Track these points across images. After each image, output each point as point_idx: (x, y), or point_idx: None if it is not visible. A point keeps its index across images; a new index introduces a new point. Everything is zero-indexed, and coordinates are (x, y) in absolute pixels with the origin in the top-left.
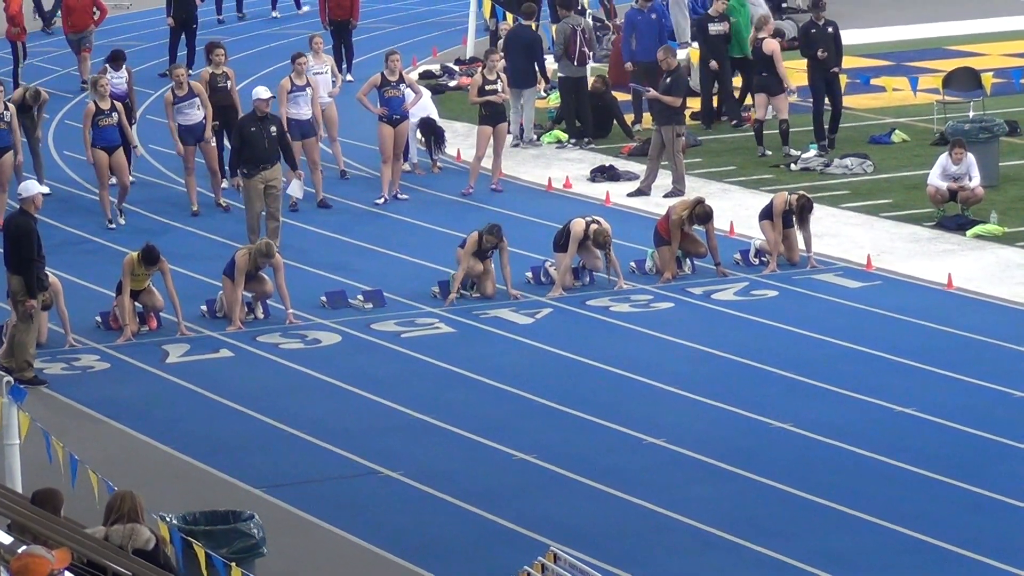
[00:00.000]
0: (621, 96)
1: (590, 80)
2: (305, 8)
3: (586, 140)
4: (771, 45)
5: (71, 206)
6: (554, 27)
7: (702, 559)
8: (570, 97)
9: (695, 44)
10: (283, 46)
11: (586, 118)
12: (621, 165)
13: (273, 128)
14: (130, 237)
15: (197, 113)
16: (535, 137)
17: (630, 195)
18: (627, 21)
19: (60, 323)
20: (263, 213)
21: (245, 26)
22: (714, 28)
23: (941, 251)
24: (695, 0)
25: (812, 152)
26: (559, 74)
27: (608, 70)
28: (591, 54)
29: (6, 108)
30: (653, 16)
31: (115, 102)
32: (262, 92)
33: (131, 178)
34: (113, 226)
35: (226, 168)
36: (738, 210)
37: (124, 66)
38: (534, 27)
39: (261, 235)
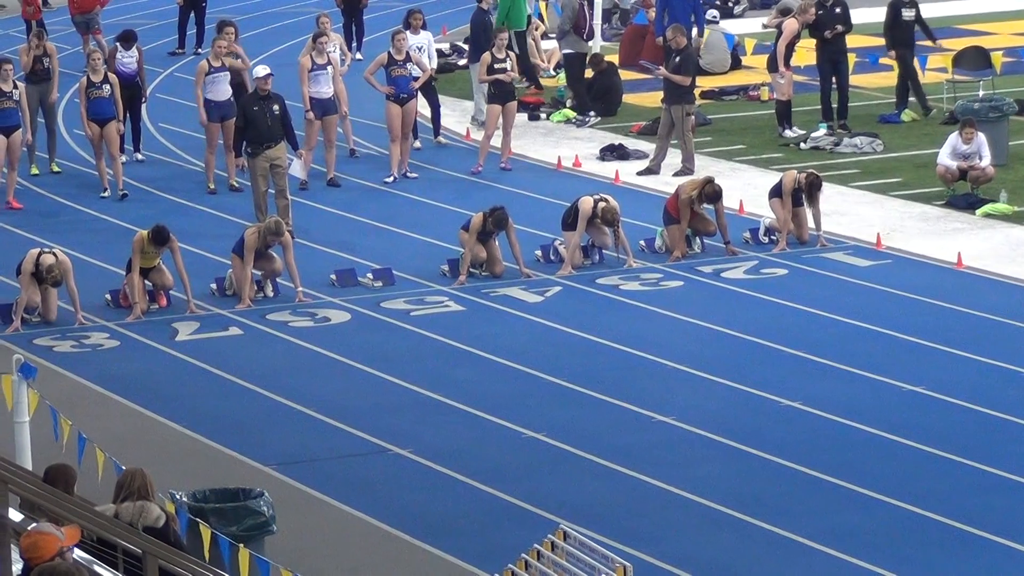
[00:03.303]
0: (633, 75)
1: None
2: None
3: (592, 115)
4: (788, 24)
5: (80, 184)
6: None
7: (711, 537)
8: (578, 72)
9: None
10: (292, 25)
11: (584, 92)
12: (630, 144)
13: (276, 107)
14: (139, 216)
15: (227, 89)
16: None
17: (639, 174)
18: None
19: (70, 301)
20: (271, 192)
21: (255, 4)
22: (907, 14)
23: (951, 230)
24: None
25: (822, 131)
26: (565, 50)
27: (619, 49)
28: (595, 30)
29: (15, 87)
30: None
31: (109, 74)
32: (261, 71)
33: (140, 156)
34: (106, 195)
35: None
36: (747, 189)
37: (135, 46)
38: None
39: (269, 213)
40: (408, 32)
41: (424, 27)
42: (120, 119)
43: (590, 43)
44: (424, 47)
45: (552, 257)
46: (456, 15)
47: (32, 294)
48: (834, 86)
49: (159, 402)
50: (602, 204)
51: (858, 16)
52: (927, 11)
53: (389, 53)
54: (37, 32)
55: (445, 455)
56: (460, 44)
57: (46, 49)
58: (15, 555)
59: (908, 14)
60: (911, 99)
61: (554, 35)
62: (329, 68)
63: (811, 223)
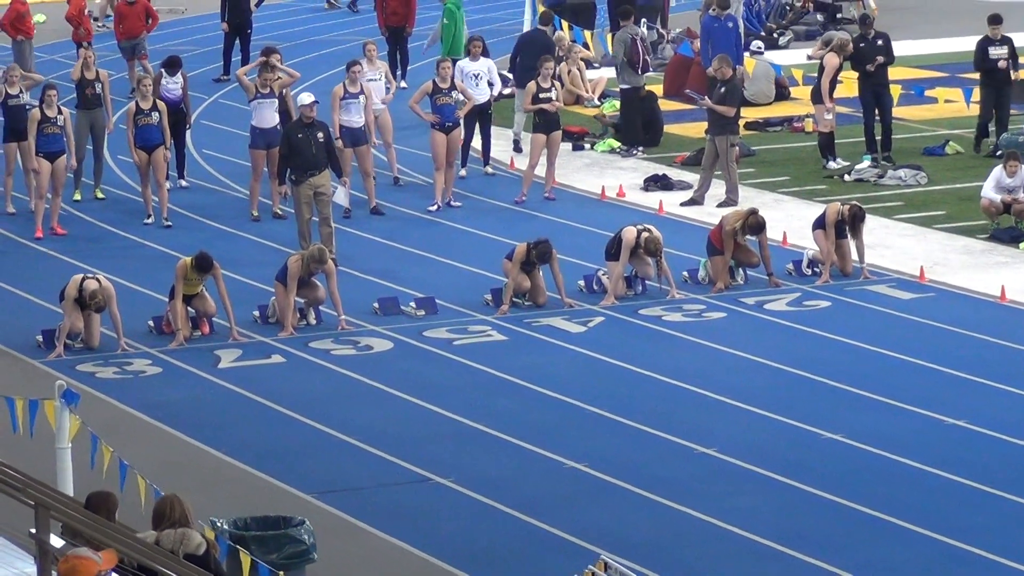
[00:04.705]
0: (676, 105)
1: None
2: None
3: (640, 149)
4: (828, 59)
5: (124, 210)
6: (610, 36)
7: (753, 570)
8: (634, 107)
9: (746, 55)
10: (338, 52)
11: (639, 127)
12: (674, 174)
13: (320, 134)
14: (183, 242)
15: (273, 116)
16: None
17: (683, 204)
18: (703, 30)
19: (113, 327)
20: (315, 219)
21: (300, 32)
22: (995, 52)
23: (994, 263)
24: (750, 12)
25: (865, 163)
26: (622, 85)
27: (664, 79)
28: (649, 63)
29: (59, 112)
30: (730, 24)
31: (158, 101)
32: (306, 98)
33: (184, 183)
34: (150, 221)
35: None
36: (791, 220)
37: (180, 72)
38: (549, 32)
39: (313, 241)
40: (468, 59)
41: (485, 54)
42: (167, 146)
43: (643, 76)
44: (484, 74)
45: (595, 287)
46: (501, 44)
47: (75, 320)
48: (877, 118)
49: (201, 429)
50: (645, 234)
51: (900, 48)
52: (971, 44)
53: (434, 81)
54: (87, 46)
55: (486, 484)
56: (504, 73)
57: (98, 74)
58: None
59: (997, 52)
60: (965, 131)
61: (598, 64)
62: (361, 97)
63: (854, 255)
